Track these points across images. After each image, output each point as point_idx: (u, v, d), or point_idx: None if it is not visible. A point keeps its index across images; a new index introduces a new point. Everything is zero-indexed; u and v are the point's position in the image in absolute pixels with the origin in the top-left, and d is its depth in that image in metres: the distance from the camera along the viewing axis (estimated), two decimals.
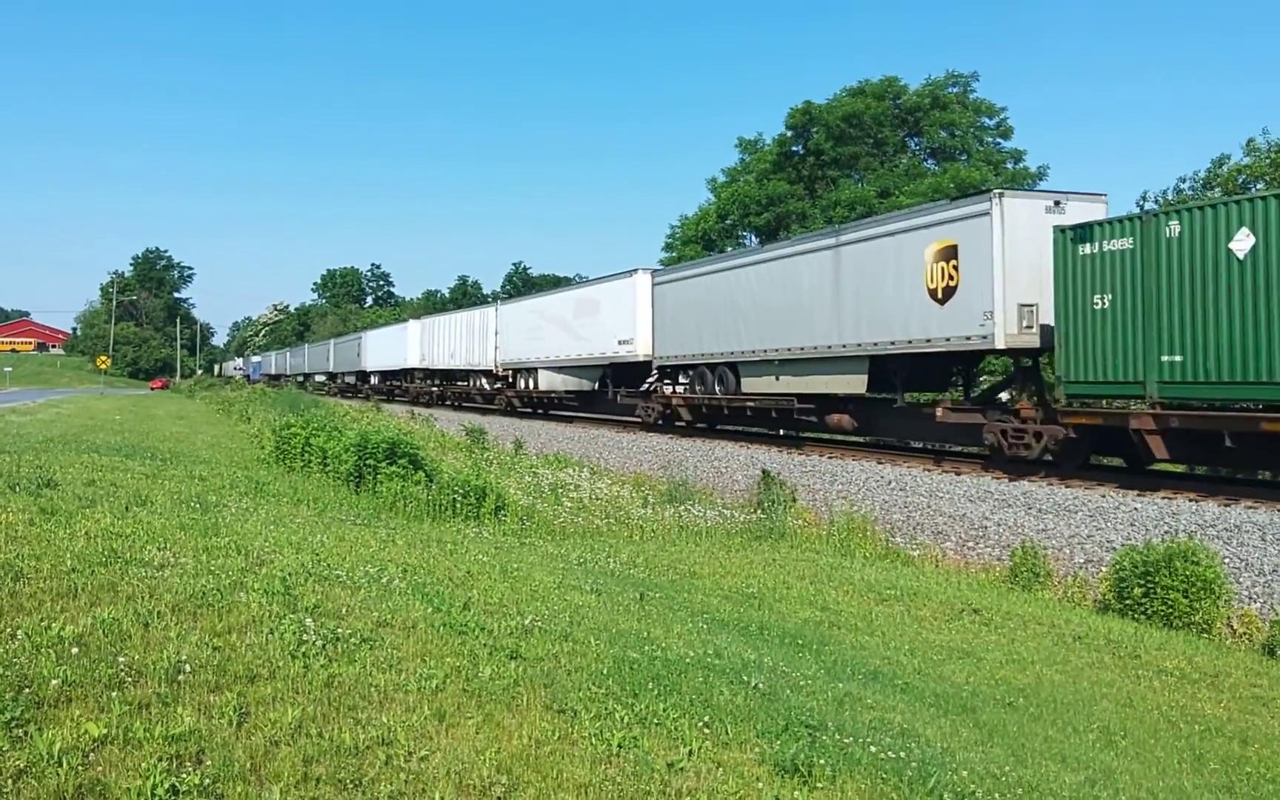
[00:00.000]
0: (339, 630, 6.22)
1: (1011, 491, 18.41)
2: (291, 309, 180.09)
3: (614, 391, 38.23)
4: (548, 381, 42.65)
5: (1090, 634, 11.26)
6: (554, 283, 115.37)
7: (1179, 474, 20.29)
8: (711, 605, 10.81)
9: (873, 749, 5.66)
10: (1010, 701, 8.46)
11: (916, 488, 19.81)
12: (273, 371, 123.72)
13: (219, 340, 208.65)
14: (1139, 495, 17.25)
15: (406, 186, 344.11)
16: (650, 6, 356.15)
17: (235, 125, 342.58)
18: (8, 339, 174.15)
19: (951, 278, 20.86)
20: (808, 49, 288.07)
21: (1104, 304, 17.74)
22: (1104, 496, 17.30)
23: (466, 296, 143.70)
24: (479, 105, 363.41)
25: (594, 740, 5.03)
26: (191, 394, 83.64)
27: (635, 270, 36.21)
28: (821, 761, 5.13)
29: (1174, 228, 16.64)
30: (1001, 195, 19.87)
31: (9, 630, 5.47)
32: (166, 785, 3.98)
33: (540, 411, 46.90)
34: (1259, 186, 34.51)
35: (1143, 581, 12.28)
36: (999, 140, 59.67)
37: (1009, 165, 57.53)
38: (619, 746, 4.98)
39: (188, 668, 5.20)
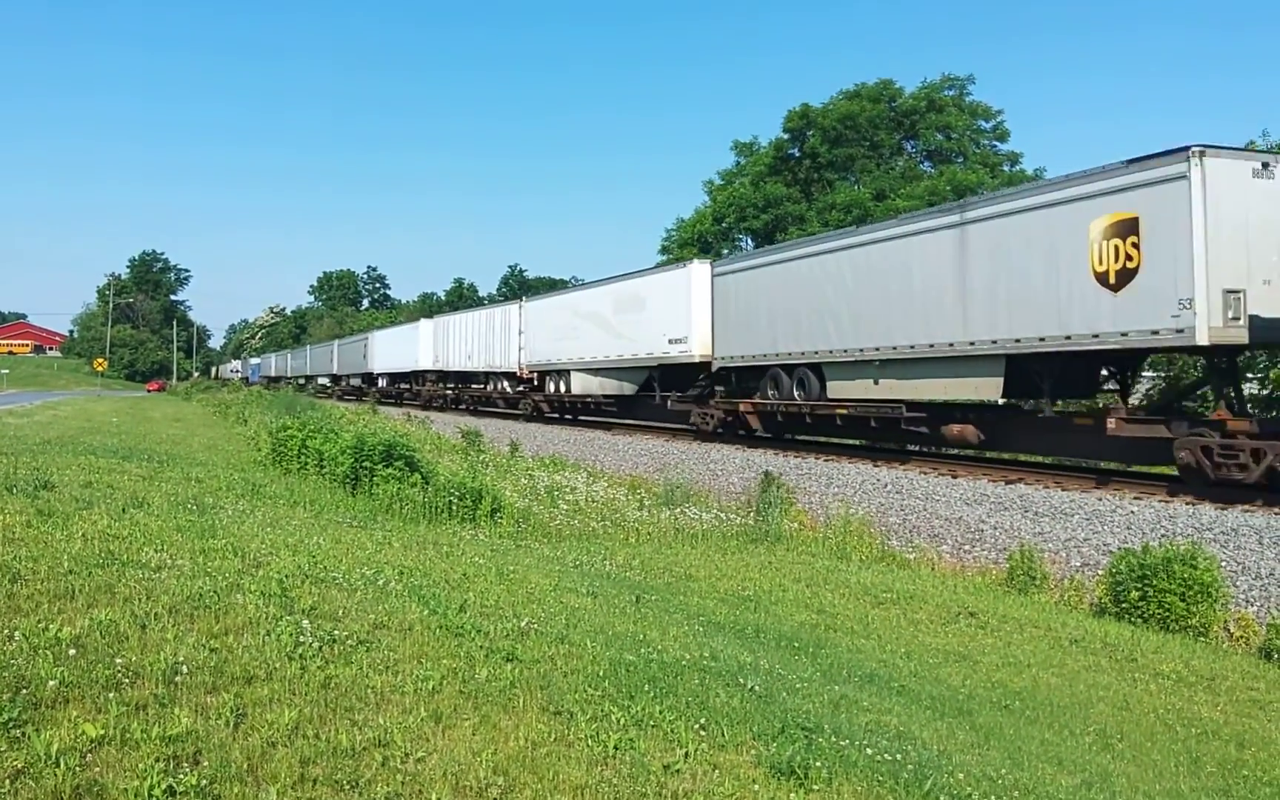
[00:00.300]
0: (336, 632, 6.22)
1: (1008, 494, 18.42)
2: (288, 311, 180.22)
3: (661, 396, 34.39)
4: (582, 384, 39.25)
5: (1087, 637, 11.27)
6: (550, 285, 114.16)
7: (1176, 477, 20.27)
8: (707, 608, 10.81)
9: (869, 751, 5.67)
10: (1007, 704, 8.48)
11: (913, 490, 19.82)
12: (272, 373, 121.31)
13: (215, 343, 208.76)
14: (1135, 499, 17.26)
15: (402, 189, 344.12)
16: (647, 7, 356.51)
17: (232, 127, 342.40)
18: (5, 341, 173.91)
19: (1129, 258, 17.14)
20: (805, 49, 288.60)
21: None
22: (1100, 500, 17.31)
23: (463, 299, 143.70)
24: (474, 108, 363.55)
25: (590, 742, 5.03)
26: (188, 396, 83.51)
27: (690, 260, 33.47)
28: (817, 764, 5.13)
29: None
30: (1202, 154, 16.06)
31: (6, 631, 5.47)
32: (164, 786, 3.98)
33: (572, 418, 43.44)
34: None
35: (1139, 585, 12.28)
36: (995, 143, 59.76)
37: (1005, 167, 57.59)
38: (615, 748, 4.98)
39: (185, 669, 5.20)
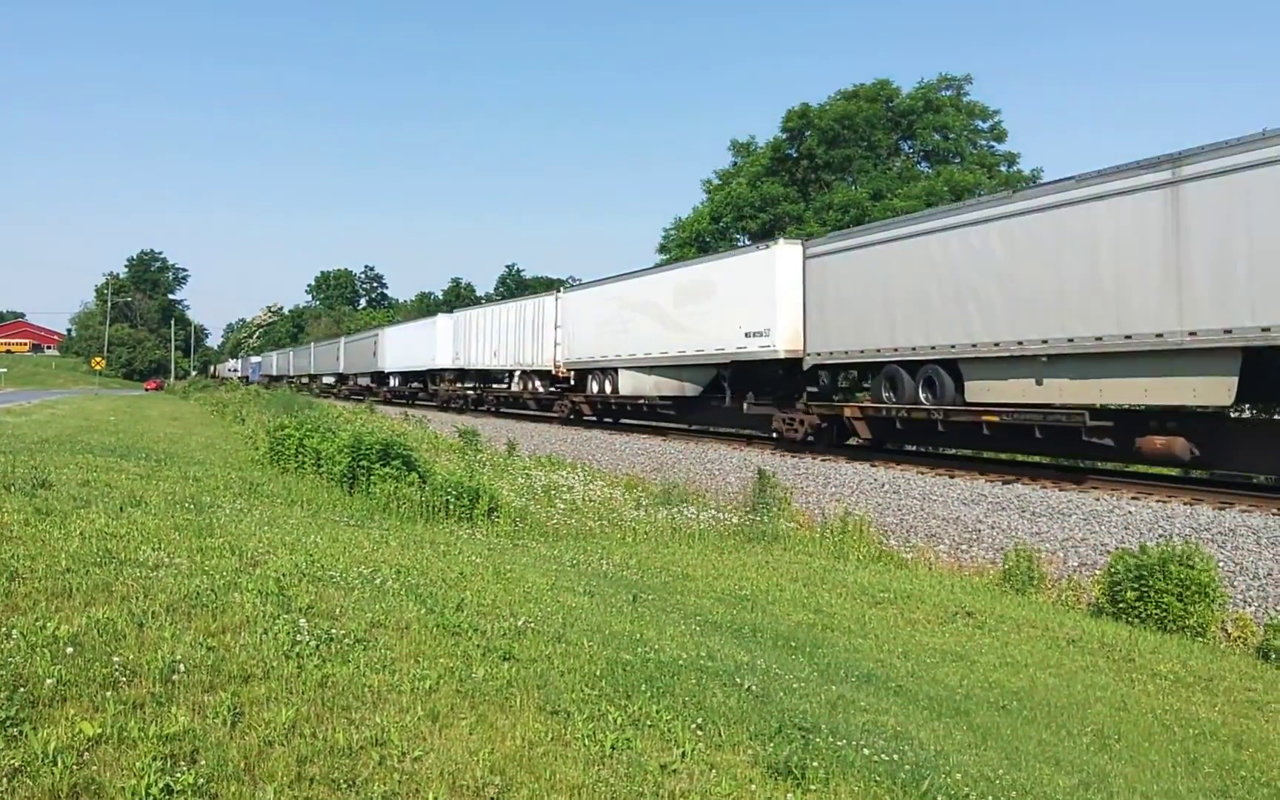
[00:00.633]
0: (333, 631, 6.22)
1: (1005, 495, 18.43)
2: (285, 310, 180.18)
3: (731, 397, 30.06)
4: (632, 384, 35.11)
5: (1084, 637, 11.27)
6: (547, 285, 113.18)
7: (1173, 477, 20.30)
8: (704, 607, 10.81)
9: (866, 751, 5.67)
10: (1004, 704, 8.48)
11: (910, 490, 19.82)
12: (273, 372, 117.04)
13: (213, 342, 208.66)
14: (1133, 498, 17.27)
15: (400, 190, 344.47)
16: (645, 7, 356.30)
17: (229, 127, 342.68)
18: (3, 340, 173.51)
19: None
20: (803, 50, 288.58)
21: None
22: (1098, 499, 17.32)
23: (460, 298, 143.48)
24: (471, 109, 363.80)
25: (587, 742, 5.03)
26: (186, 395, 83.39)
27: (776, 240, 29.03)
28: (815, 764, 5.14)
29: None
30: None
31: (4, 630, 5.46)
32: (161, 785, 3.98)
33: (613, 421, 39.76)
34: None
35: (1137, 585, 12.28)
36: (993, 143, 59.72)
37: (1003, 168, 57.59)
38: (612, 748, 4.98)
39: (182, 668, 5.20)
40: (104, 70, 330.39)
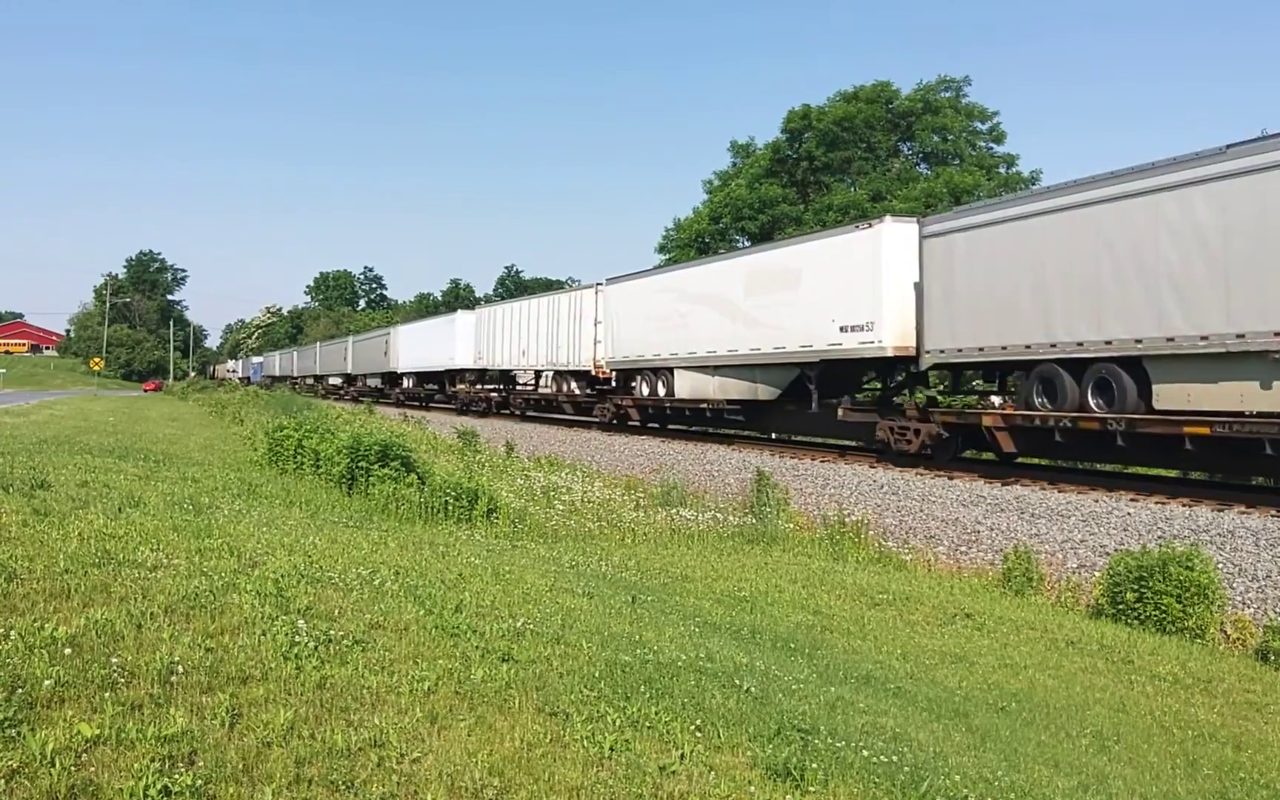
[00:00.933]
0: (331, 632, 6.22)
1: (1004, 496, 18.43)
2: (284, 311, 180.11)
3: (820, 401, 26.04)
4: (691, 386, 31.40)
5: (1083, 639, 11.27)
6: (546, 286, 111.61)
7: (1171, 478, 20.31)
8: (703, 609, 10.81)
9: (865, 753, 5.66)
10: (1003, 706, 8.47)
11: (909, 492, 19.82)
12: (276, 373, 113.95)
13: (212, 343, 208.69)
14: (1132, 500, 17.27)
15: (399, 189, 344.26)
16: (642, 7, 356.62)
17: (228, 128, 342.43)
18: (1, 341, 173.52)
19: None
20: (804, 50, 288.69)
21: None
22: (1097, 501, 17.32)
23: (459, 299, 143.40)
24: (470, 109, 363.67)
25: (586, 743, 5.03)
26: (184, 396, 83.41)
27: (881, 217, 24.64)
28: (814, 765, 5.13)
29: None
30: None
31: (2, 631, 5.45)
32: (159, 786, 3.97)
33: (660, 427, 36.31)
34: None
35: (1136, 586, 12.28)
36: (991, 145, 59.79)
37: (1002, 170, 57.64)
38: (611, 749, 4.98)
39: (180, 669, 5.19)
40: (102, 70, 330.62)
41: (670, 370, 32.42)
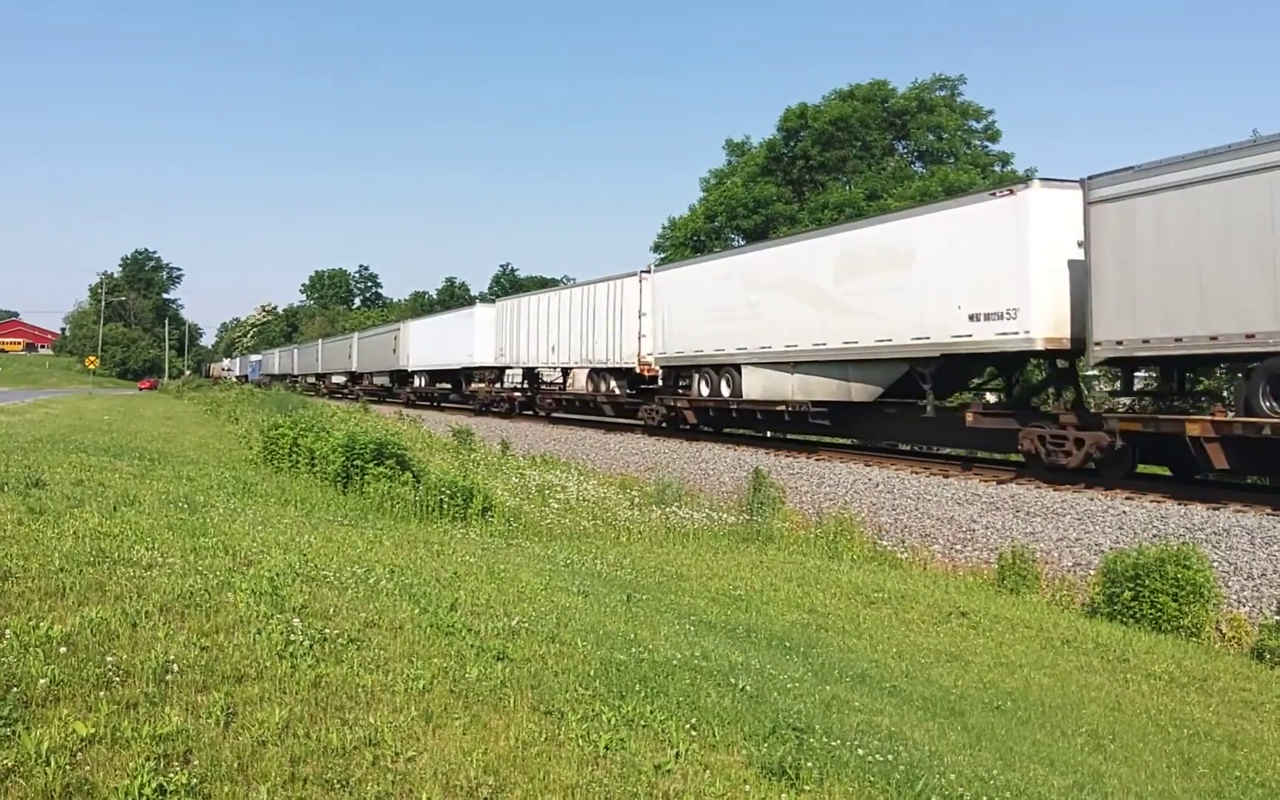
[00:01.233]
0: (326, 631, 6.22)
1: (999, 494, 18.43)
2: (279, 310, 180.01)
3: (931, 403, 22.19)
4: (763, 385, 27.26)
5: (1079, 637, 11.29)
6: (541, 284, 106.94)
7: (1166, 477, 20.31)
8: (699, 607, 10.81)
9: (860, 752, 5.67)
10: (998, 705, 8.48)
11: (904, 490, 19.83)
12: (275, 371, 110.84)
13: (207, 341, 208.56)
14: (1127, 499, 17.27)
15: (395, 189, 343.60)
16: (638, 8, 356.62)
17: (224, 128, 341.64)
18: None
19: None
20: (798, 49, 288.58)
21: None
22: (1092, 500, 17.33)
23: (454, 298, 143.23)
24: (466, 110, 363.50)
25: (581, 742, 5.03)
26: (180, 395, 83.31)
27: (1026, 181, 20.82)
28: (809, 764, 5.13)
29: None
30: None
31: None
32: (154, 785, 3.97)
33: (713, 431, 32.30)
34: None
35: (1131, 585, 12.30)
36: (986, 143, 59.86)
37: (996, 168, 57.71)
38: (606, 748, 4.98)
39: (175, 668, 5.19)
40: (99, 72, 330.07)
41: (736, 367, 28.37)
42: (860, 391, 24.15)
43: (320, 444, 19.64)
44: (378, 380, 71.57)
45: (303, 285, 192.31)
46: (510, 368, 46.76)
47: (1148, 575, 12.16)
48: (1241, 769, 7.57)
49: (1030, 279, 18.86)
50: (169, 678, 5.06)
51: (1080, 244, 18.30)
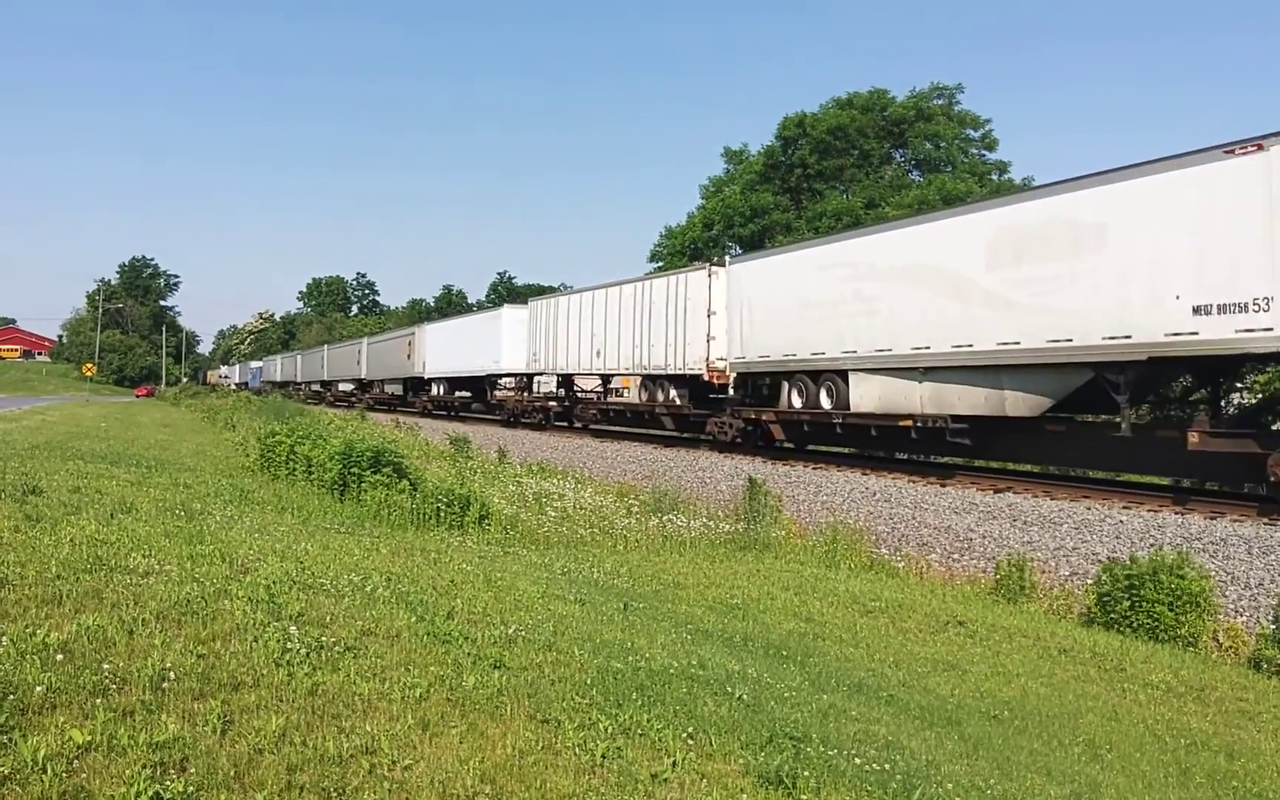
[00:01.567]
0: (323, 638, 6.21)
1: (997, 503, 18.45)
2: (277, 317, 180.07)
3: (1129, 419, 18.09)
4: (880, 395, 23.15)
5: (1076, 647, 11.28)
6: (539, 291, 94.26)
7: (1163, 486, 20.31)
8: (695, 616, 10.80)
9: (857, 761, 5.67)
10: (995, 714, 8.47)
11: (901, 499, 19.83)
12: (277, 378, 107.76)
13: (204, 348, 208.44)
14: (1124, 508, 17.29)
15: (392, 196, 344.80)
16: (636, 14, 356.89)
17: (222, 133, 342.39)
18: None
19: None
20: (798, 57, 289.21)
21: None
22: (1089, 509, 17.34)
23: (451, 305, 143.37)
24: (463, 116, 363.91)
25: (578, 750, 5.02)
26: (177, 402, 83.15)
27: (1266, 136, 15.31)
28: (806, 773, 5.13)
29: None
30: None
31: None
32: (151, 793, 3.96)
33: (797, 448, 28.58)
34: None
35: (1129, 594, 12.30)
36: (984, 152, 59.93)
37: (994, 177, 57.77)
38: (603, 757, 4.97)
39: (172, 675, 5.18)
40: (96, 74, 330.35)
41: (840, 373, 24.25)
42: (1018, 403, 19.84)
43: (317, 451, 19.61)
44: (390, 388, 67.98)
45: (300, 292, 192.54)
46: (542, 375, 43.33)
47: (1144, 585, 12.17)
48: (1239, 779, 7.56)
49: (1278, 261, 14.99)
50: (166, 685, 5.06)
51: None
